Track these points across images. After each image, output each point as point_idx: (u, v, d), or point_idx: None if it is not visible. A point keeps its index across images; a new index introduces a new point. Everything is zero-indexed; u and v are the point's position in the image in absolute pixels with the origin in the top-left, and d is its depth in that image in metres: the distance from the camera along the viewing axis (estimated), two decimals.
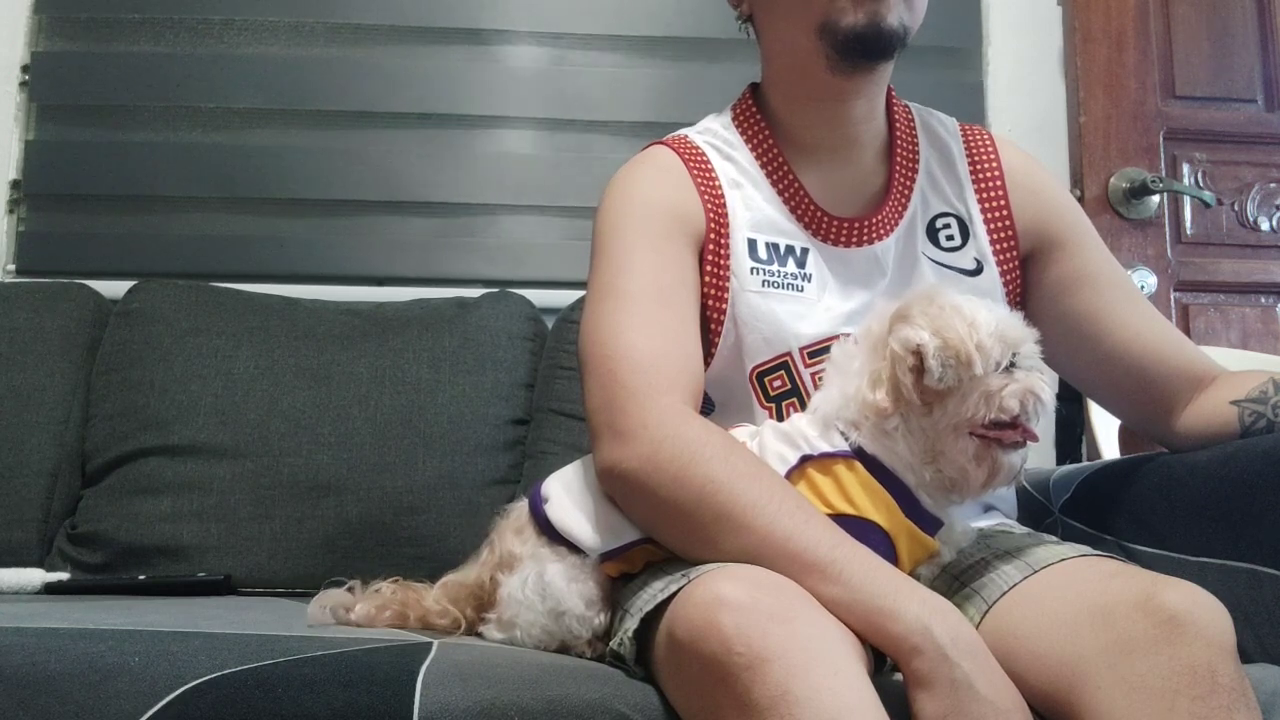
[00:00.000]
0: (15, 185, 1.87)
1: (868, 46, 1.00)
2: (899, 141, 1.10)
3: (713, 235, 1.03)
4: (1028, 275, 1.10)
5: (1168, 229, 1.99)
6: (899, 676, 0.75)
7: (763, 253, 1.04)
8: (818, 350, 1.00)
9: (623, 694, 0.78)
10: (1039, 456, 1.69)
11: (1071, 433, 1.75)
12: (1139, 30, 2.02)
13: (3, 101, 1.88)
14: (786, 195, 1.06)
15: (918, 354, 0.85)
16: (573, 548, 0.91)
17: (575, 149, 1.95)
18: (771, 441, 0.90)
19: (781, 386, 1.01)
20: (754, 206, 1.05)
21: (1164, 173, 1.98)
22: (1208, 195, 1.95)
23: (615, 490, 0.89)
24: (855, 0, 0.98)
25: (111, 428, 1.55)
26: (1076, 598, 0.81)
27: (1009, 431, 0.86)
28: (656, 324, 0.94)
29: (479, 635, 0.97)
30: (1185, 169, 2.01)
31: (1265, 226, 2.02)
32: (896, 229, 1.07)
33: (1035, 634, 0.81)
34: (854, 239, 1.06)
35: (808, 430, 0.90)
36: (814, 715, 0.66)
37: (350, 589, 1.04)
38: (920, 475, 0.87)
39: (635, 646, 0.82)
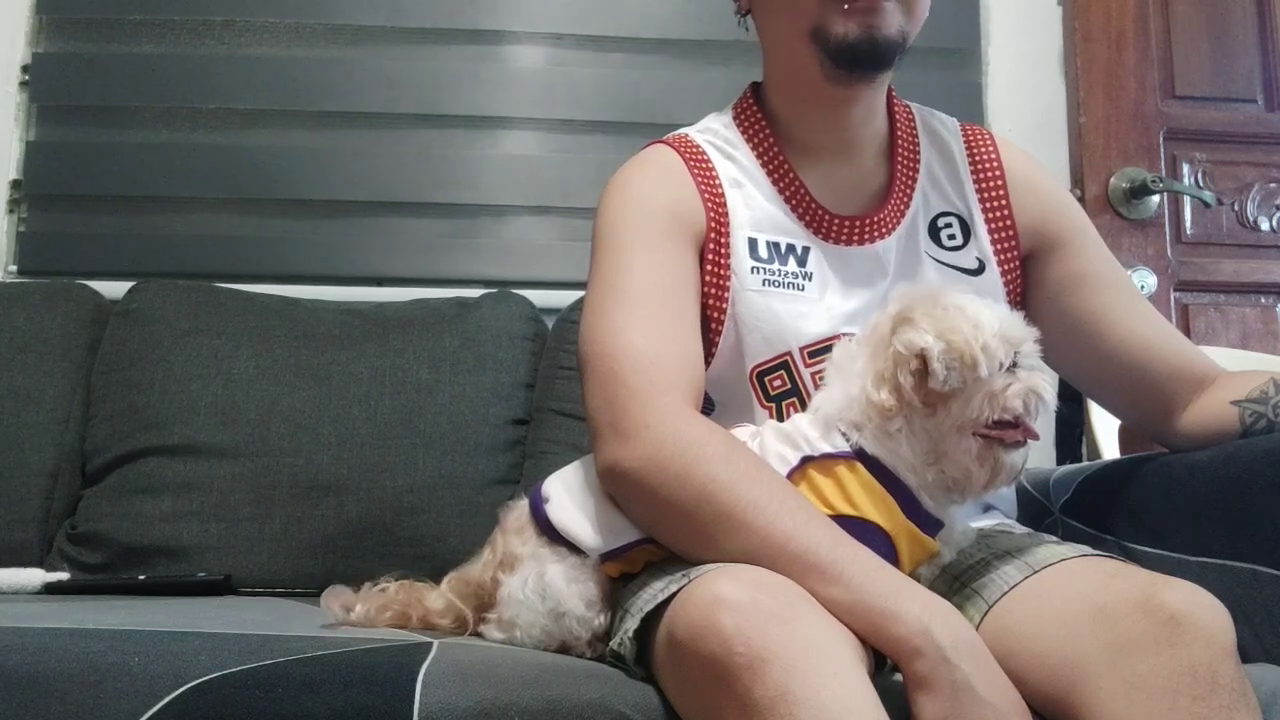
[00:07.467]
0: (15, 185, 1.87)
1: (862, 57, 0.99)
2: (900, 141, 1.10)
3: (713, 234, 1.03)
4: (1028, 275, 1.10)
5: (1168, 229, 1.99)
6: (899, 677, 0.75)
7: (763, 251, 1.04)
8: (818, 350, 1.00)
9: (623, 694, 0.78)
10: (1039, 456, 1.69)
11: (1071, 433, 1.75)
12: (1139, 30, 2.02)
13: (3, 101, 1.87)
14: (787, 194, 1.06)
15: (922, 357, 0.84)
16: (573, 548, 0.91)
17: (575, 149, 1.95)
18: (772, 442, 0.90)
19: (781, 386, 1.01)
20: (755, 205, 1.05)
21: (1164, 173, 1.98)
22: (1208, 195, 1.95)
23: (616, 490, 0.89)
24: (845, 13, 0.97)
25: (111, 428, 1.55)
26: (1077, 598, 0.81)
27: (1011, 431, 0.86)
28: (657, 323, 0.94)
29: (479, 635, 0.97)
30: (1185, 169, 2.01)
31: (1265, 226, 2.02)
32: (898, 228, 1.07)
33: (1035, 634, 0.81)
34: (855, 237, 1.05)
35: (809, 431, 0.89)
36: (814, 715, 0.66)
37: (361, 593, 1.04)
38: (922, 476, 0.87)
39: (635, 646, 0.82)
